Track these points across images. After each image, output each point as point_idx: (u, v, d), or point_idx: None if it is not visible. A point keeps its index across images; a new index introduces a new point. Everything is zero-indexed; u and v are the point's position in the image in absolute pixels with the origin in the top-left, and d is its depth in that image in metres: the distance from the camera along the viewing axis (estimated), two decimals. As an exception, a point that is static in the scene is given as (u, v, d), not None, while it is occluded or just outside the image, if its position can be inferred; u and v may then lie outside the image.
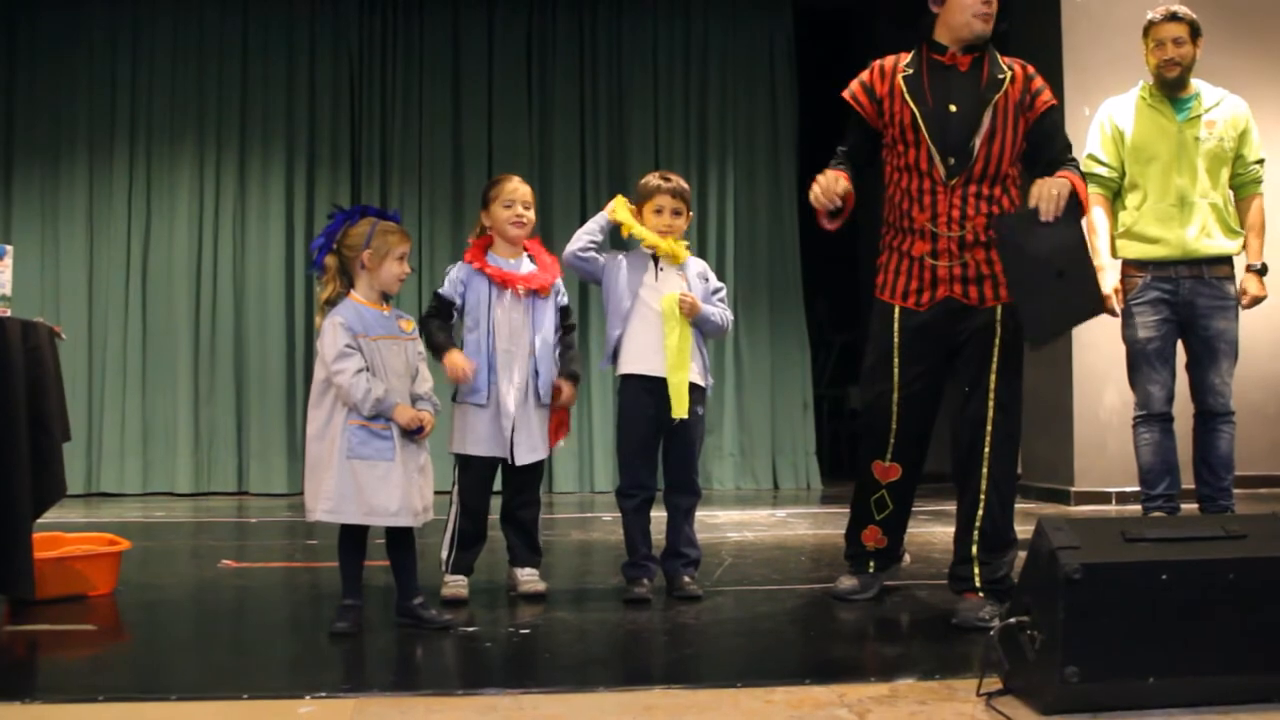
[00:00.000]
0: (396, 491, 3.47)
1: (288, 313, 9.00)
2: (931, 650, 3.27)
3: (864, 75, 3.89)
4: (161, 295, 8.95)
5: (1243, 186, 4.88)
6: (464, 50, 9.33)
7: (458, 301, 4.08)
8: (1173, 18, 4.82)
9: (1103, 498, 7.06)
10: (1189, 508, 4.94)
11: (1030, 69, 3.80)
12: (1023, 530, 5.81)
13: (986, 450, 3.67)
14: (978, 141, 3.67)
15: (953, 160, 3.68)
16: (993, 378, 3.68)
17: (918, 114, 3.73)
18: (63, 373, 4.07)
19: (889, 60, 3.87)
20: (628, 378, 4.17)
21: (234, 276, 9.04)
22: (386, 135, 9.28)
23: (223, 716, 2.73)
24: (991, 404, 3.67)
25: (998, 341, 3.69)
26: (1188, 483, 4.83)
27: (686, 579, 4.14)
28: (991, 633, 2.73)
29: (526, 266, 4.17)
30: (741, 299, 9.24)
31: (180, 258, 8.98)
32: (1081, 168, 4.95)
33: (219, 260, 9.04)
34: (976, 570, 3.68)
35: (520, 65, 9.37)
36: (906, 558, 4.23)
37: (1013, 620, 2.66)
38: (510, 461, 4.08)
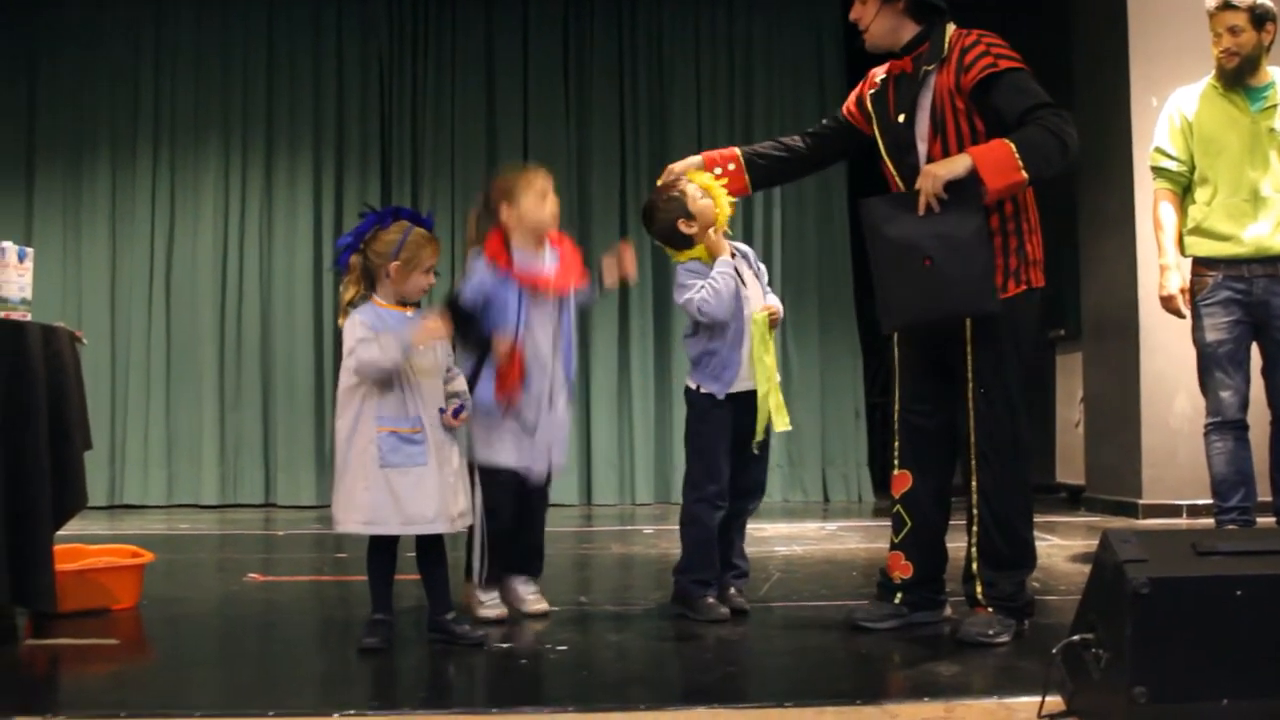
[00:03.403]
0: (432, 498, 3.48)
1: (316, 318, 9.06)
2: (990, 669, 3.25)
3: (860, 85, 3.91)
4: (186, 299, 9.04)
5: (1324, 181, 4.80)
6: (498, 44, 9.38)
7: (476, 315, 3.92)
8: (1227, 6, 4.75)
9: (1173, 510, 6.98)
10: (1265, 521, 4.89)
11: (970, 39, 3.58)
12: (1087, 544, 5.80)
13: (972, 462, 3.58)
14: (922, 146, 3.61)
15: (906, 172, 3.66)
16: (969, 387, 3.57)
17: (876, 129, 3.76)
18: (84, 379, 4.11)
19: (878, 69, 3.85)
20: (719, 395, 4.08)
21: (260, 280, 9.12)
22: (418, 133, 9.33)
23: (249, 735, 2.76)
24: (971, 414, 3.57)
25: (969, 349, 3.56)
26: (1264, 494, 4.77)
27: (733, 591, 4.13)
28: (1055, 650, 2.70)
29: (549, 259, 4.04)
30: (789, 300, 9.18)
31: (205, 260, 9.07)
32: (1150, 162, 4.95)
33: (245, 263, 9.12)
34: (979, 587, 3.60)
35: (557, 59, 9.40)
36: (948, 609, 3.85)
37: (1076, 638, 2.64)
38: (535, 472, 4.02)
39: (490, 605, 3.98)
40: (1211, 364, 4.77)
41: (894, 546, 3.79)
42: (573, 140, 9.32)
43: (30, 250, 3.91)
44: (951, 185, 3.42)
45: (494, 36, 9.38)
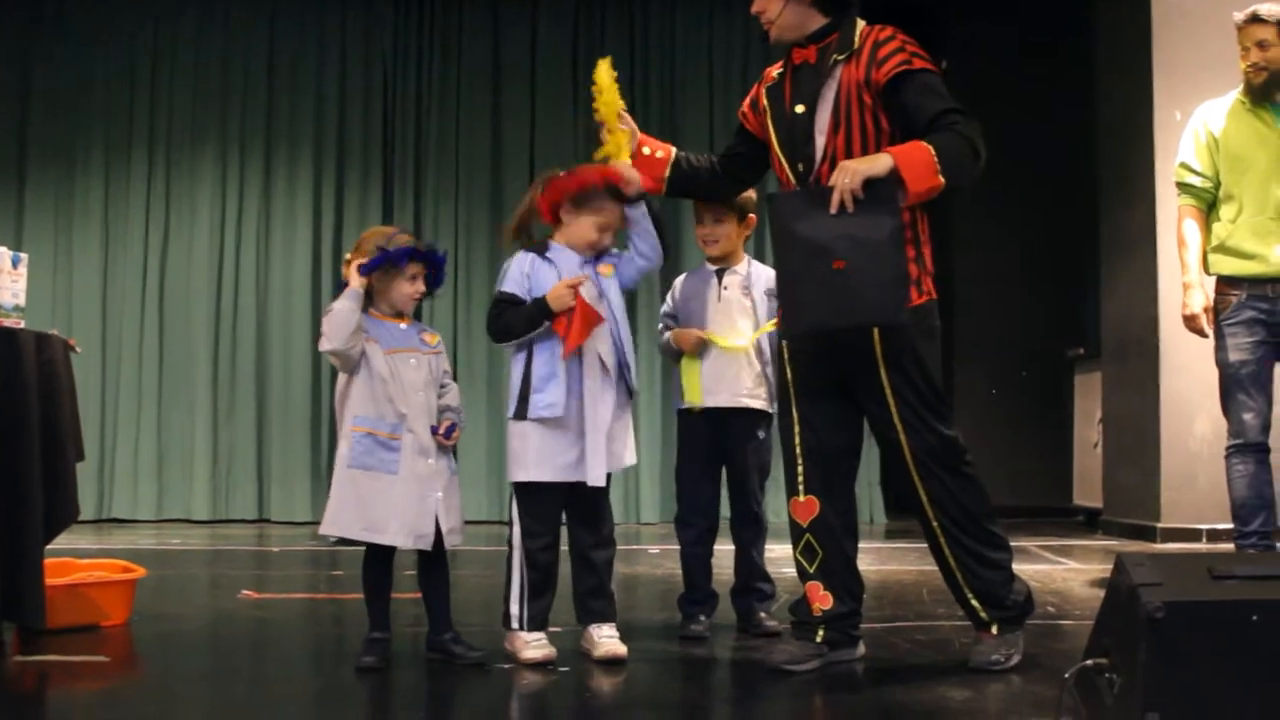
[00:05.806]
0: (397, 508, 3.50)
1: (313, 328, 9.07)
2: (1002, 694, 3.27)
3: (754, 87, 3.84)
4: (180, 307, 9.10)
5: (1352, 200, 4.82)
6: (505, 48, 9.45)
7: (527, 299, 3.66)
8: (1255, 19, 4.78)
9: (1193, 535, 7.00)
10: (1288, 547, 4.90)
11: (885, 34, 3.52)
12: (1104, 568, 5.81)
13: (914, 477, 3.53)
14: (821, 139, 3.51)
15: (801, 166, 3.56)
16: (891, 406, 3.50)
17: (770, 121, 3.67)
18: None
19: (773, 67, 3.78)
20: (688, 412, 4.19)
21: (257, 289, 9.17)
22: (421, 139, 9.39)
23: (243, 753, 2.79)
24: (901, 431, 3.50)
25: (880, 363, 3.48)
26: (1287, 519, 4.80)
27: (762, 615, 4.16)
28: (1068, 675, 2.73)
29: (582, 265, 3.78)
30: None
31: (200, 268, 9.13)
32: (1175, 177, 4.98)
33: (241, 272, 9.18)
34: (975, 601, 3.56)
35: (565, 63, 9.47)
36: (861, 646, 3.72)
37: (1090, 662, 2.66)
38: (584, 484, 3.65)
39: (536, 644, 3.60)
40: (1234, 385, 4.79)
41: (810, 577, 3.64)
42: (580, 147, 9.31)
43: (24, 256, 3.94)
44: (868, 184, 3.30)
45: (501, 39, 9.45)
